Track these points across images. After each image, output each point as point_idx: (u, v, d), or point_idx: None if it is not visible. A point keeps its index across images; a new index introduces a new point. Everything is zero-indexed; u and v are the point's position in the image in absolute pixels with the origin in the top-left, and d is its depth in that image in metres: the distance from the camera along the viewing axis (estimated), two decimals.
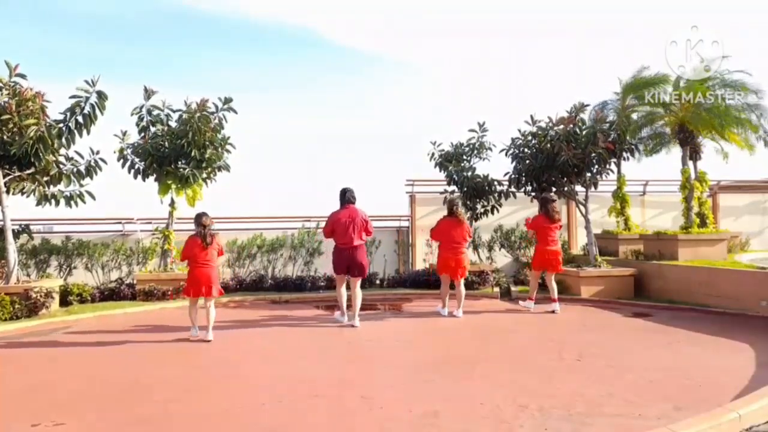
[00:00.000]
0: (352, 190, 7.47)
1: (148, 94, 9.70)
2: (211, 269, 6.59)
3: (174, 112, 9.82)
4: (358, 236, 7.34)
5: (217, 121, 9.64)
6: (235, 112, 9.74)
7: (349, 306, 7.54)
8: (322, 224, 8.08)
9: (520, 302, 8.76)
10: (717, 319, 7.43)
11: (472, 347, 6.26)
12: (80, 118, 8.42)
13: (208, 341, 6.43)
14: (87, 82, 8.36)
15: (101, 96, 8.42)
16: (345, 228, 7.30)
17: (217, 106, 9.65)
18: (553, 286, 8.41)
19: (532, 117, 10.24)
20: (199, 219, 6.67)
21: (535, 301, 8.50)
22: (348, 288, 7.60)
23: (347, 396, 4.34)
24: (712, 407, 3.81)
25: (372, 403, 4.16)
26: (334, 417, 3.89)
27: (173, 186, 9.67)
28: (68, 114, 8.41)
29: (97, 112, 8.43)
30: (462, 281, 8.07)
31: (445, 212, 8.35)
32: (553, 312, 8.12)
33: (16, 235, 9.13)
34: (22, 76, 8.18)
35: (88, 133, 8.53)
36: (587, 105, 10.23)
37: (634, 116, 10.38)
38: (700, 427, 3.47)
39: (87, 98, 8.39)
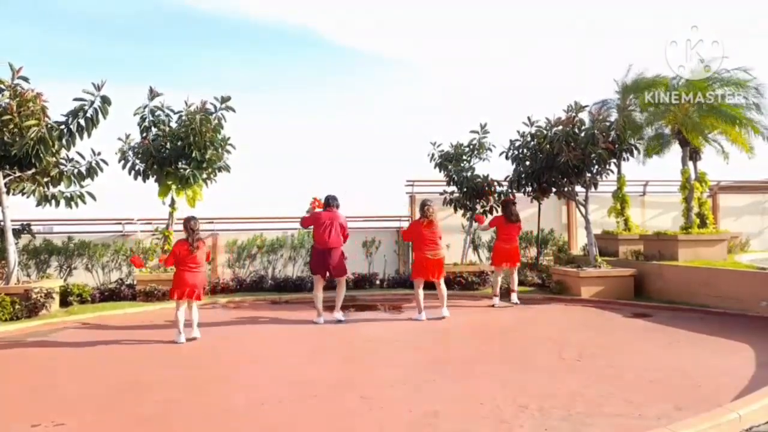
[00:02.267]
0: (336, 197, 7.90)
1: (153, 94, 9.70)
2: (197, 273, 6.68)
3: (174, 113, 9.84)
4: (335, 238, 7.66)
5: (216, 121, 9.65)
6: (234, 111, 9.74)
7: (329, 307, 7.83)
8: None
9: (492, 300, 9.15)
10: (717, 319, 7.43)
11: (472, 347, 6.26)
12: (82, 121, 8.42)
13: (195, 339, 6.55)
14: (93, 85, 8.37)
15: (105, 101, 8.42)
16: (324, 228, 7.62)
17: (215, 106, 9.66)
18: (514, 278, 9.18)
19: (529, 118, 10.21)
20: (188, 223, 6.73)
21: (500, 296, 9.08)
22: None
23: (347, 396, 4.34)
24: (712, 407, 3.81)
25: (372, 403, 4.16)
26: (334, 417, 3.89)
27: (174, 186, 9.68)
28: (70, 117, 8.42)
29: (100, 116, 8.43)
30: (442, 280, 7.98)
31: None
32: (515, 304, 8.90)
33: (17, 235, 9.14)
34: (25, 79, 8.15)
35: (89, 136, 8.53)
36: (585, 106, 10.24)
37: (635, 116, 10.36)
38: (700, 427, 3.47)
39: (92, 102, 8.40)
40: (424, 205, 7.98)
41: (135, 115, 9.71)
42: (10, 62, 8.10)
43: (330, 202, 7.83)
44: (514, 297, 9.05)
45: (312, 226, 7.87)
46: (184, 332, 6.53)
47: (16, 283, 8.25)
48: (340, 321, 7.57)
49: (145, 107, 9.73)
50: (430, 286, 8.14)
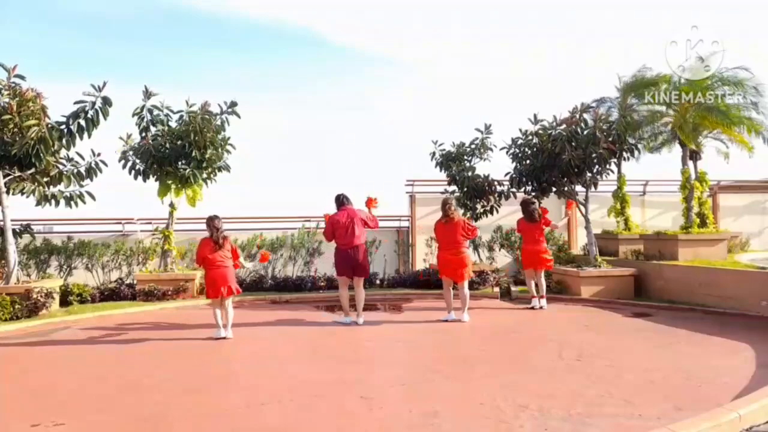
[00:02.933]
0: (346, 194, 7.70)
1: (149, 94, 9.70)
2: (225, 269, 6.71)
3: (174, 113, 9.84)
4: (359, 235, 7.46)
5: (219, 123, 9.67)
6: (239, 116, 9.80)
7: (353, 305, 7.61)
8: (322, 224, 8.13)
9: (531, 303, 8.78)
10: (717, 319, 7.43)
11: (472, 347, 6.26)
12: (83, 122, 8.43)
13: (228, 339, 6.57)
14: (93, 86, 8.39)
15: (106, 102, 8.44)
16: (345, 228, 7.42)
17: (221, 108, 9.68)
18: (541, 283, 8.74)
19: (535, 116, 10.20)
20: (211, 222, 6.75)
21: (533, 297, 8.79)
22: (350, 288, 7.66)
23: (347, 396, 4.34)
24: (712, 407, 3.81)
25: (372, 403, 4.16)
26: (334, 417, 3.89)
27: (173, 186, 9.68)
28: (71, 118, 8.42)
29: (101, 117, 8.45)
30: (465, 284, 7.68)
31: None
32: (540, 308, 8.53)
33: (17, 235, 9.14)
34: (21, 77, 8.18)
35: (89, 136, 8.55)
36: (591, 106, 10.21)
37: (635, 115, 10.34)
38: (700, 427, 3.47)
39: (93, 103, 8.40)
40: (444, 203, 7.93)
41: (134, 116, 9.71)
42: (2, 63, 8.11)
43: (342, 201, 7.63)
44: (543, 302, 8.59)
45: (334, 234, 7.51)
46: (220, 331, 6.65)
47: (16, 282, 8.26)
48: (355, 323, 7.42)
49: (143, 108, 9.73)
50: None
